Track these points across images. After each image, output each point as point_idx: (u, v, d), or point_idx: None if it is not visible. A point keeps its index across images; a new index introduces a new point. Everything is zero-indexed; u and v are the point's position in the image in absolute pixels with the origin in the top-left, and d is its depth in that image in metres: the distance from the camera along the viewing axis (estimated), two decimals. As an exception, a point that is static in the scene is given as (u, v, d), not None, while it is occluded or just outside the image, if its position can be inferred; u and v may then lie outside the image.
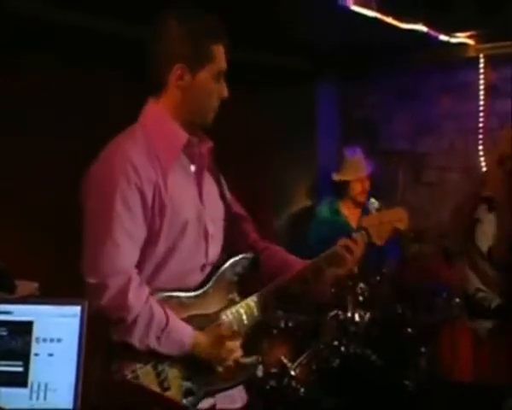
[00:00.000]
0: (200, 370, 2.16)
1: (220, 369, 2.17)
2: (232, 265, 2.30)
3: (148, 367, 2.10)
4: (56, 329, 2.02)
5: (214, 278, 2.26)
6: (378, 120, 5.48)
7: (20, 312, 2.03)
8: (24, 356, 2.00)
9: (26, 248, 3.56)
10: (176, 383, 2.12)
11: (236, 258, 2.31)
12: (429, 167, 5.28)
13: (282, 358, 3.57)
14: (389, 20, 4.29)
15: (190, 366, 2.15)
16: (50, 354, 2.01)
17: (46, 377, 2.00)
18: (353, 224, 4.90)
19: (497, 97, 4.93)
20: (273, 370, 3.54)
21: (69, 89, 3.88)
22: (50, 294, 2.22)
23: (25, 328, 2.02)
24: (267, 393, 3.49)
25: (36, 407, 1.99)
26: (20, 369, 2.00)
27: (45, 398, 1.99)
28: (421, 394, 3.60)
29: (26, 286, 2.62)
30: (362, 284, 3.79)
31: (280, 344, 3.65)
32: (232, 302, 2.27)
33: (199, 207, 2.24)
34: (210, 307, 2.23)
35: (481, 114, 4.97)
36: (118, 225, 2.06)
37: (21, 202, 3.68)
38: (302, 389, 3.49)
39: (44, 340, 2.02)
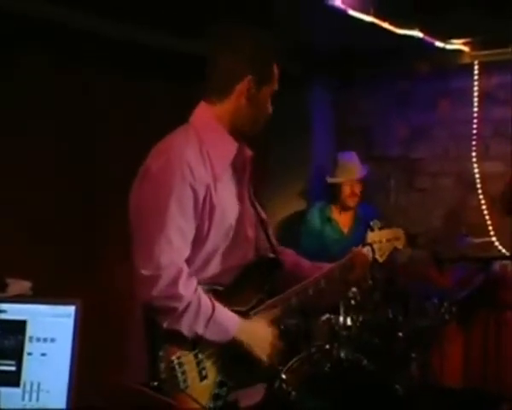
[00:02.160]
0: (235, 364, 2.28)
1: (256, 362, 2.29)
2: (259, 266, 2.42)
3: (191, 355, 2.22)
4: (50, 328, 2.02)
5: (244, 278, 2.37)
6: (372, 125, 5.49)
7: (13, 311, 2.03)
8: (17, 355, 2.00)
9: (20, 248, 3.55)
10: (212, 373, 2.25)
11: (263, 259, 2.45)
12: (422, 173, 5.29)
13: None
14: (385, 25, 4.30)
15: (227, 360, 2.27)
16: (43, 354, 2.01)
17: (39, 376, 2.00)
18: (344, 228, 4.91)
19: (490, 104, 4.95)
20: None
21: (69, 89, 3.88)
22: (45, 293, 2.22)
23: (18, 327, 2.01)
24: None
25: (28, 407, 1.98)
26: (13, 368, 2.00)
27: (38, 398, 1.99)
28: (411, 398, 3.60)
29: (18, 285, 2.61)
30: (354, 289, 3.79)
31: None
32: (260, 302, 2.38)
33: (240, 212, 2.38)
34: (240, 305, 2.34)
35: (475, 121, 4.99)
36: (171, 222, 2.17)
37: (18, 202, 3.67)
38: (293, 393, 3.48)
39: (38, 339, 2.02)
